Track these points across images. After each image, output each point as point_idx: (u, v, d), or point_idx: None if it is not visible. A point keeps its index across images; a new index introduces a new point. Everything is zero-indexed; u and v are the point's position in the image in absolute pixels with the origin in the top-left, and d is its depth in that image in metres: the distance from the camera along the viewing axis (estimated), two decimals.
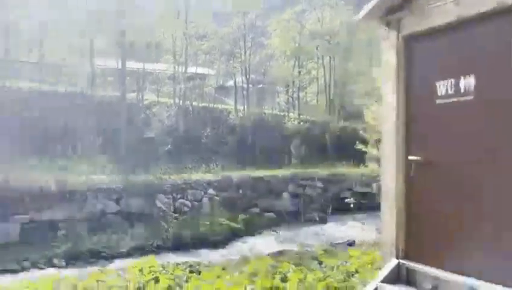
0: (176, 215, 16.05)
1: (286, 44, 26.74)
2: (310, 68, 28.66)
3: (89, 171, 15.84)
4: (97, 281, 4.06)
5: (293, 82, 28.15)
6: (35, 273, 11.18)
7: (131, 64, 23.81)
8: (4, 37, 19.74)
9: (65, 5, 23.05)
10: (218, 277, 4.36)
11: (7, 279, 10.35)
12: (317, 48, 27.42)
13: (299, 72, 27.28)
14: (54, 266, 11.78)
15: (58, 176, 14.65)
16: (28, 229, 12.85)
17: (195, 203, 17.37)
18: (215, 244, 14.72)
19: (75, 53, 23.08)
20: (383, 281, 3.45)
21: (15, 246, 12.28)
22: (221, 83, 32.18)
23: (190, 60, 25.65)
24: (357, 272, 4.78)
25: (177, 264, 4.98)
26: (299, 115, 26.74)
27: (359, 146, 18.06)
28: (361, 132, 18.52)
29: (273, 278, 4.09)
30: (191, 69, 25.80)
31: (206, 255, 13.10)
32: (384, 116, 3.89)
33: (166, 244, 14.16)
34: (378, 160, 14.59)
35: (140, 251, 13.53)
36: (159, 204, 16.27)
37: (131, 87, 23.52)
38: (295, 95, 28.57)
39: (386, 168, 3.84)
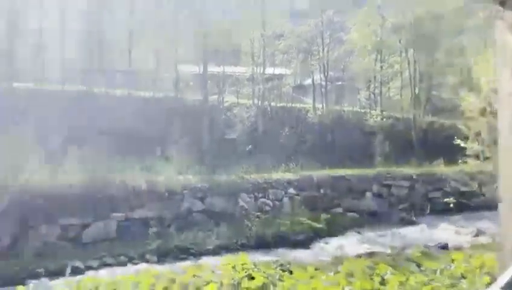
0: (258, 214, 16.21)
1: (367, 38, 25.79)
2: (392, 62, 27.35)
3: (176, 171, 16.54)
4: (194, 276, 4.14)
5: (375, 77, 27.11)
6: (130, 268, 11.95)
7: (212, 68, 24.61)
8: (97, 46, 21.48)
9: (150, 13, 24.51)
10: (312, 277, 4.23)
11: (105, 272, 11.17)
12: (400, 41, 26.11)
13: (381, 67, 26.17)
14: (146, 261, 12.50)
15: (148, 176, 15.51)
16: (123, 226, 13.75)
17: (276, 202, 17.41)
18: (297, 244, 14.62)
19: (160, 59, 24.42)
20: (503, 288, 3.06)
21: (112, 242, 13.20)
22: (298, 82, 32.01)
23: (268, 60, 25.83)
24: (463, 277, 4.36)
25: (268, 262, 4.91)
26: (381, 111, 25.68)
27: (457, 141, 16.60)
28: (460, 126, 17.12)
29: (372, 280, 3.86)
30: (269, 70, 25.96)
31: (289, 255, 13.02)
32: (501, 104, 3.47)
33: (250, 243, 14.35)
34: (477, 156, 13.45)
35: (225, 248, 13.86)
36: (241, 203, 16.53)
37: (212, 90, 24.27)
38: (377, 91, 27.48)
39: (506, 162, 3.41)
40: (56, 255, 11.79)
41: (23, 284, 9.70)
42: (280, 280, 4.19)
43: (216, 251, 13.64)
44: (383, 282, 4.01)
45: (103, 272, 10.97)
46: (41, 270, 10.95)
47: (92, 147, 15.76)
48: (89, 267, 11.51)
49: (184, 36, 24.11)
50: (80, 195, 13.36)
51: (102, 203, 13.65)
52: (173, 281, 3.98)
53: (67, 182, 13.50)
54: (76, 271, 11.16)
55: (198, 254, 13.29)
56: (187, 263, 12.37)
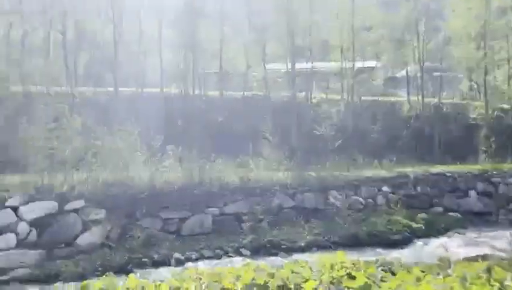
0: (350, 212, 15.81)
1: (468, 23, 23.63)
2: (498, 49, 24.74)
3: (266, 168, 16.77)
4: (292, 272, 4.10)
5: (477, 65, 24.79)
6: (225, 260, 12.37)
7: (300, 65, 24.52)
8: (191, 50, 22.59)
9: (239, 15, 25.16)
10: (418, 279, 3.95)
11: (203, 264, 11.69)
12: (507, 25, 23.47)
13: (485, 54, 23.86)
14: (240, 254, 12.86)
15: (240, 172, 15.94)
16: (218, 220, 14.28)
17: (369, 200, 16.82)
18: (393, 244, 13.98)
19: (249, 59, 24.97)
20: None
21: (208, 236, 13.79)
22: (391, 74, 30.57)
23: (357, 53, 24.99)
24: None
25: (369, 262, 4.71)
26: (486, 102, 23.42)
27: None
28: None
29: (490, 285, 3.49)
30: (358, 63, 25.13)
31: (385, 254, 12.44)
32: None
33: (342, 241, 14.04)
34: None
35: (316, 245, 13.76)
36: (331, 200, 16.26)
37: (300, 87, 24.20)
38: (480, 80, 25.12)
39: None
40: (159, 246, 12.60)
41: (132, 272, 10.61)
42: (383, 280, 3.98)
43: (307, 248, 13.59)
44: (502, 289, 3.61)
45: (201, 264, 11.50)
46: (146, 260, 11.77)
47: (188, 146, 16.63)
48: (188, 259, 12.14)
49: (272, 35, 24.34)
50: (178, 191, 14.15)
51: (199, 198, 14.30)
52: (272, 275, 3.98)
53: (167, 178, 14.37)
54: (177, 262, 11.88)
55: (289, 250, 13.35)
56: (279, 258, 12.54)
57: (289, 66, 23.10)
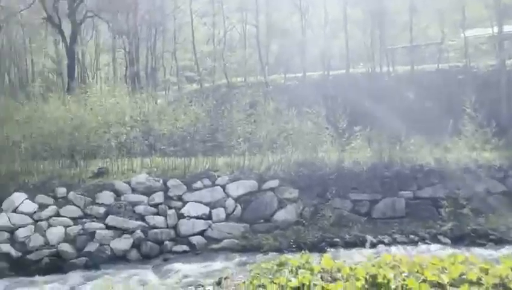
0: None
1: None
2: None
3: (469, 148, 14.91)
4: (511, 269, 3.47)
5: None
6: (421, 247, 11.54)
7: (510, 27, 20.87)
8: (378, 26, 21.57)
9: None
10: None
11: (397, 249, 11.16)
12: None
13: None
14: (439, 242, 11.81)
15: (437, 153, 14.58)
16: (411, 204, 13.40)
17: None
18: None
19: (445, 28, 22.53)
20: None
21: (401, 220, 13.08)
22: None
23: None
24: None
25: None
26: None
27: None
28: None
29: None
30: None
31: None
32: None
33: None
34: None
35: None
36: None
37: (510, 52, 20.67)
38: None
39: None
40: (349, 227, 12.59)
41: (324, 250, 10.90)
42: None
43: None
44: None
45: (394, 249, 11.01)
46: (338, 240, 11.92)
47: (377, 126, 16.01)
48: (381, 242, 11.78)
49: None
50: (367, 172, 13.82)
51: (389, 180, 13.69)
52: (485, 271, 3.44)
53: (356, 159, 14.16)
54: (369, 244, 11.66)
55: (500, 242, 11.65)
56: (487, 251, 11.02)
57: (495, 29, 19.91)
